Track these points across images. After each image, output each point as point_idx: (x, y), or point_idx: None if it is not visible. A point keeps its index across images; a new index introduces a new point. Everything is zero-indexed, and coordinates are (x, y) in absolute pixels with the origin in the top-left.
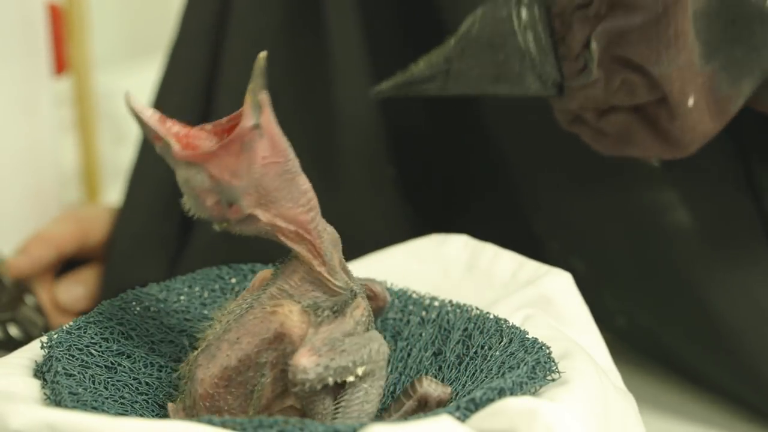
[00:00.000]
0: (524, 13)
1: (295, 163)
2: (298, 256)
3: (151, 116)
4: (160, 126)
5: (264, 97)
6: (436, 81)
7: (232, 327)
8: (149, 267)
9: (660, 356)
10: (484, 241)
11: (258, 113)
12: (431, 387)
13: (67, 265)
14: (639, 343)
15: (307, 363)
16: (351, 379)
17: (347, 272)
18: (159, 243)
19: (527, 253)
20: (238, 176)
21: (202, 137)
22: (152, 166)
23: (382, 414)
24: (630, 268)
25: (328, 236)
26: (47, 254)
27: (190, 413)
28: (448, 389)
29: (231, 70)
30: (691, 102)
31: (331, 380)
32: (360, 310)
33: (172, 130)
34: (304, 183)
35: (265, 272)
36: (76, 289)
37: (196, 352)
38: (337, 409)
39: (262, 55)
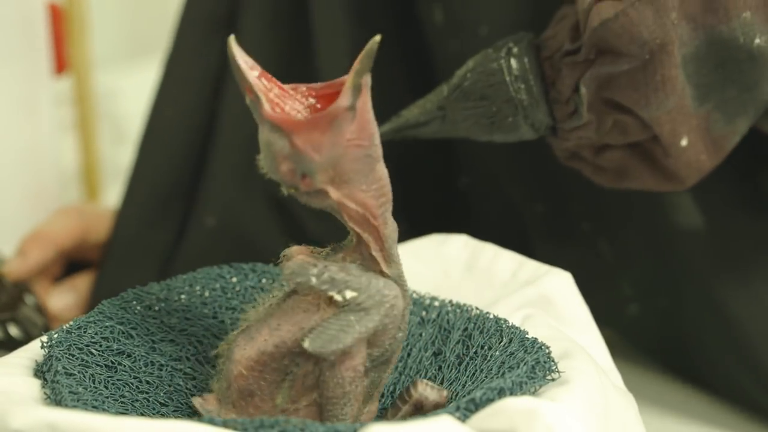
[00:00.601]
0: (514, 63)
1: (377, 149)
2: (358, 240)
3: (249, 66)
4: (256, 79)
5: (366, 80)
6: (431, 127)
7: (274, 312)
8: (141, 273)
9: (665, 348)
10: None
11: (356, 95)
12: (427, 391)
13: (70, 267)
14: (646, 334)
15: (299, 258)
16: (337, 296)
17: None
18: (152, 249)
19: (550, 237)
20: (319, 151)
21: (293, 99)
22: (149, 170)
23: (381, 415)
24: (647, 258)
25: (392, 226)
26: (45, 254)
27: (225, 395)
28: (444, 392)
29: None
30: (684, 142)
31: (314, 281)
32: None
33: (267, 88)
34: (381, 170)
35: (301, 248)
36: (67, 298)
37: (236, 332)
38: (315, 326)
39: (377, 38)
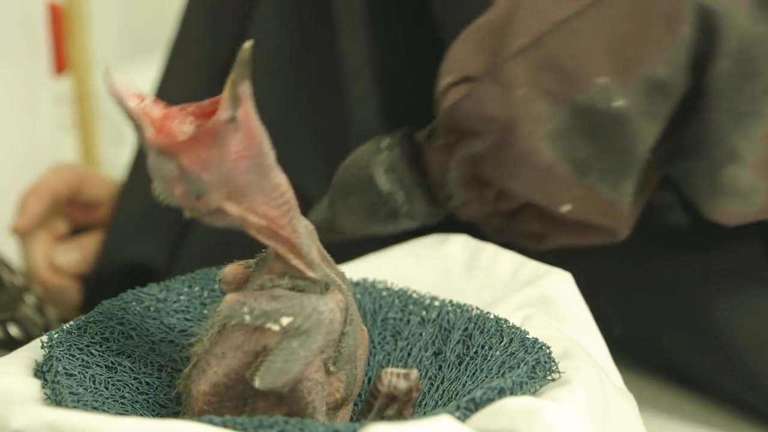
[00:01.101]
0: (384, 156)
1: (269, 157)
2: (275, 253)
3: (128, 94)
4: (136, 106)
5: (244, 88)
6: (334, 225)
7: (217, 340)
8: (150, 245)
9: (657, 363)
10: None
11: (235, 106)
12: (393, 380)
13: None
14: (636, 351)
15: (229, 297)
16: (274, 327)
17: (329, 262)
18: (163, 222)
19: None
20: (207, 169)
21: (180, 120)
22: None
23: (358, 417)
24: (627, 275)
25: (305, 230)
26: (43, 204)
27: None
28: (413, 374)
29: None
30: (565, 209)
31: (248, 319)
32: (336, 298)
33: (150, 113)
34: (278, 177)
35: (234, 268)
36: (73, 253)
37: (188, 368)
38: (262, 361)
39: (248, 44)
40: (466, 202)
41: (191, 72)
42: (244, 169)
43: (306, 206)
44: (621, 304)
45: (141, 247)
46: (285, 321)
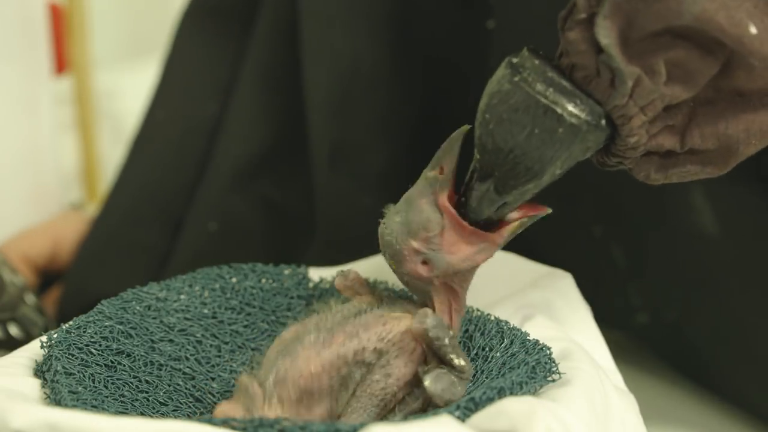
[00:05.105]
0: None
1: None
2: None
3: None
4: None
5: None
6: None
7: (347, 322)
8: (118, 276)
9: (675, 357)
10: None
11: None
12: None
13: (51, 279)
14: (656, 342)
15: (433, 314)
16: (456, 360)
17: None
18: (131, 252)
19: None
20: (454, 256)
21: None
22: (134, 174)
23: (388, 415)
24: (662, 266)
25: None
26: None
27: (271, 390)
28: None
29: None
30: (753, 30)
31: (447, 341)
32: None
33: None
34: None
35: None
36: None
37: (295, 331)
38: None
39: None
40: (636, 83)
41: (189, 83)
42: (469, 269)
43: (292, 223)
44: (652, 293)
45: (107, 279)
46: (463, 362)
